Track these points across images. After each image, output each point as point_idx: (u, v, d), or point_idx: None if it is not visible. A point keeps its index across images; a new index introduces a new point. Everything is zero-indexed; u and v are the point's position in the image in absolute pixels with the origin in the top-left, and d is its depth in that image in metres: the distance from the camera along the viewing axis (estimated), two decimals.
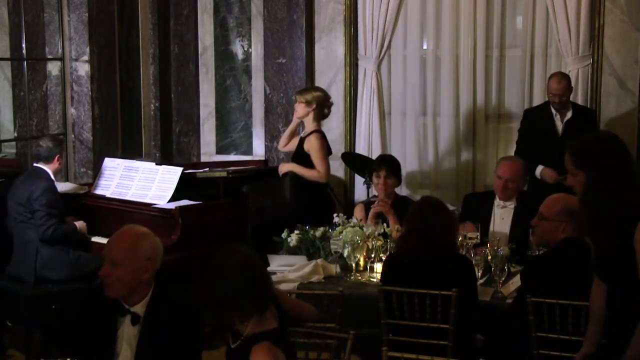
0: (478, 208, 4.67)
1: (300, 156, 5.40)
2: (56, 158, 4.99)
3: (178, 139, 6.91)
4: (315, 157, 5.34)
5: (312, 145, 5.34)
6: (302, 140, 5.41)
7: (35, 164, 5.01)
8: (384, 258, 4.13)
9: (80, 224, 5.10)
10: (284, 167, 5.49)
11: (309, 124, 5.41)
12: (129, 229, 2.96)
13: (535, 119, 5.43)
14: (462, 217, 4.62)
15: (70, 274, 4.87)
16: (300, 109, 5.40)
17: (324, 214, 5.05)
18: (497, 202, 4.65)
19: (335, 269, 4.29)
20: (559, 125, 5.32)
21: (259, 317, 2.64)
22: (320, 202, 5.47)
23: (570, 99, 5.39)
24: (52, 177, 4.98)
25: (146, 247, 2.90)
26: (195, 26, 6.78)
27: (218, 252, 2.72)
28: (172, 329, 2.83)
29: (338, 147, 6.29)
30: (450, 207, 4.78)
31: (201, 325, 2.95)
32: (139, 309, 2.86)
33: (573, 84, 5.70)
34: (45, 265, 4.84)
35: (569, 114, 5.33)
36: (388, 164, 4.96)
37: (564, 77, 5.33)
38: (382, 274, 3.86)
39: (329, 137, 5.76)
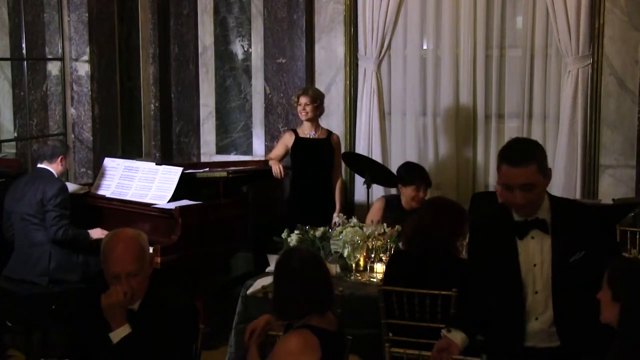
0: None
1: (331, 155, 5.54)
2: (59, 159, 4.97)
3: (178, 139, 6.90)
4: (339, 157, 5.60)
5: (338, 146, 5.62)
6: (328, 139, 5.57)
7: (39, 165, 4.99)
8: (384, 258, 4.14)
9: (96, 232, 5.01)
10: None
11: (318, 123, 5.60)
12: (126, 237, 2.86)
13: None
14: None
15: (79, 277, 4.88)
16: (310, 110, 5.46)
17: (324, 214, 5.12)
18: None
19: (335, 269, 4.28)
20: None
21: (318, 315, 2.75)
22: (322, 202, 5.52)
23: (571, 99, 5.36)
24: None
25: (146, 245, 2.91)
26: (195, 26, 6.78)
27: (284, 253, 2.99)
28: (165, 326, 2.82)
29: None
30: None
31: (196, 322, 2.95)
32: (135, 306, 2.87)
33: (573, 84, 5.69)
34: (58, 268, 4.83)
35: None
36: (425, 179, 5.08)
37: None
38: (385, 273, 3.87)
39: None
